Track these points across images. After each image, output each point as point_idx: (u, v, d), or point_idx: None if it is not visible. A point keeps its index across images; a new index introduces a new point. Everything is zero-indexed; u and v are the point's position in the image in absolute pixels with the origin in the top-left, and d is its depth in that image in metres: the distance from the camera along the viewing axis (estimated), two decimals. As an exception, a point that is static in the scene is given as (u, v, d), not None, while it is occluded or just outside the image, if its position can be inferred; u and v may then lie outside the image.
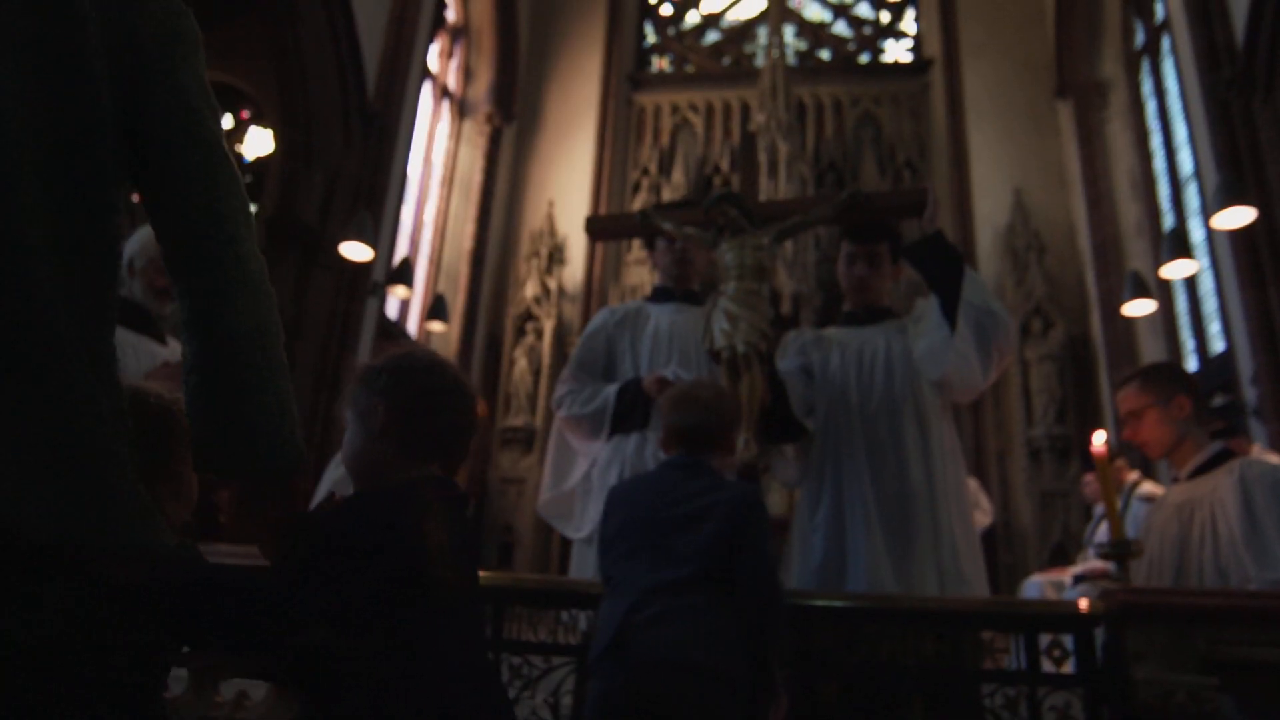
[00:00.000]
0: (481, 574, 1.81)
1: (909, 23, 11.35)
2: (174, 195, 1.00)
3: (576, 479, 2.21)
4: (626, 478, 1.73)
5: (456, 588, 1.12)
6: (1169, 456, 2.00)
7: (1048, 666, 1.52)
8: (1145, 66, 8.79)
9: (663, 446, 1.68)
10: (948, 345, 1.99)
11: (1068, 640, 1.52)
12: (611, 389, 2.19)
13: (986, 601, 1.72)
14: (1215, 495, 1.84)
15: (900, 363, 2.11)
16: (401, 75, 8.26)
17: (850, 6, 11.61)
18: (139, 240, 2.49)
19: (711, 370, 2.05)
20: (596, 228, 2.34)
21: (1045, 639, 1.53)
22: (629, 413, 2.15)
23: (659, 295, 2.33)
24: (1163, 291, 7.53)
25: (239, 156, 8.36)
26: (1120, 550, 1.69)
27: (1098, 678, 1.48)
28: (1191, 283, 7.60)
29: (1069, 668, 1.52)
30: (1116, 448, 5.42)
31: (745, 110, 10.34)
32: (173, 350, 2.59)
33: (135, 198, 1.12)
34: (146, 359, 2.45)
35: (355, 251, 6.29)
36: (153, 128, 0.98)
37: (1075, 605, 1.54)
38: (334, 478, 2.64)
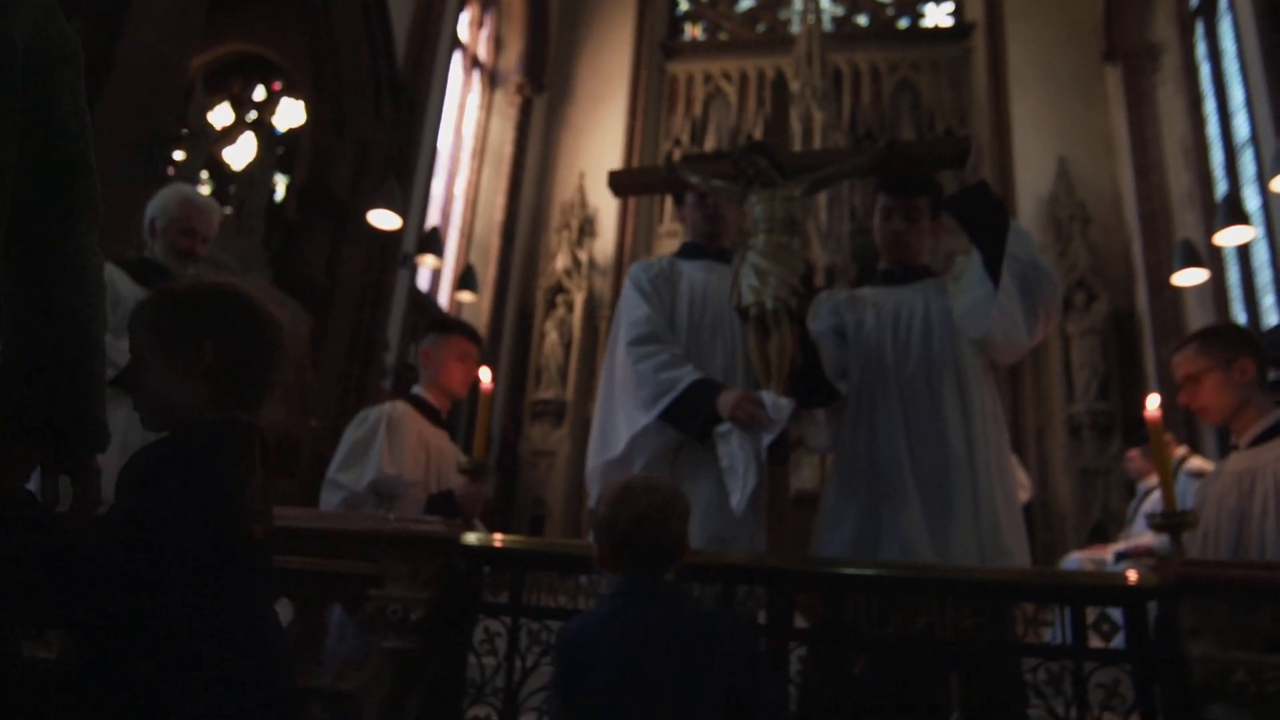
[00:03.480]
0: (501, 538, 1.77)
1: (950, -15, 10.98)
2: (34, 190, 1.09)
3: (621, 448, 1.99)
4: (575, 623, 1.35)
5: (264, 544, 1.06)
6: (1229, 423, 1.88)
7: (1095, 642, 1.43)
8: (1200, 28, 8.40)
9: (607, 565, 1.35)
10: (991, 302, 1.88)
11: (1117, 614, 1.43)
12: (687, 376, 1.92)
13: (1029, 572, 1.63)
14: (1280, 464, 1.73)
15: (939, 323, 2.00)
16: (431, 45, 8.20)
17: (889, -30, 11.27)
18: (160, 201, 2.47)
19: (743, 329, 1.94)
20: (620, 182, 2.23)
21: (1093, 613, 1.44)
22: (687, 415, 1.90)
23: (689, 252, 2.20)
24: (1214, 263, 7.24)
25: (271, 129, 8.37)
26: (1174, 521, 1.58)
27: (1149, 654, 1.39)
28: (1245, 253, 7.30)
29: (1118, 644, 1.43)
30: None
31: (780, 78, 10.08)
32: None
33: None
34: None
35: (383, 219, 6.27)
36: (27, 134, 1.07)
37: (1125, 577, 1.45)
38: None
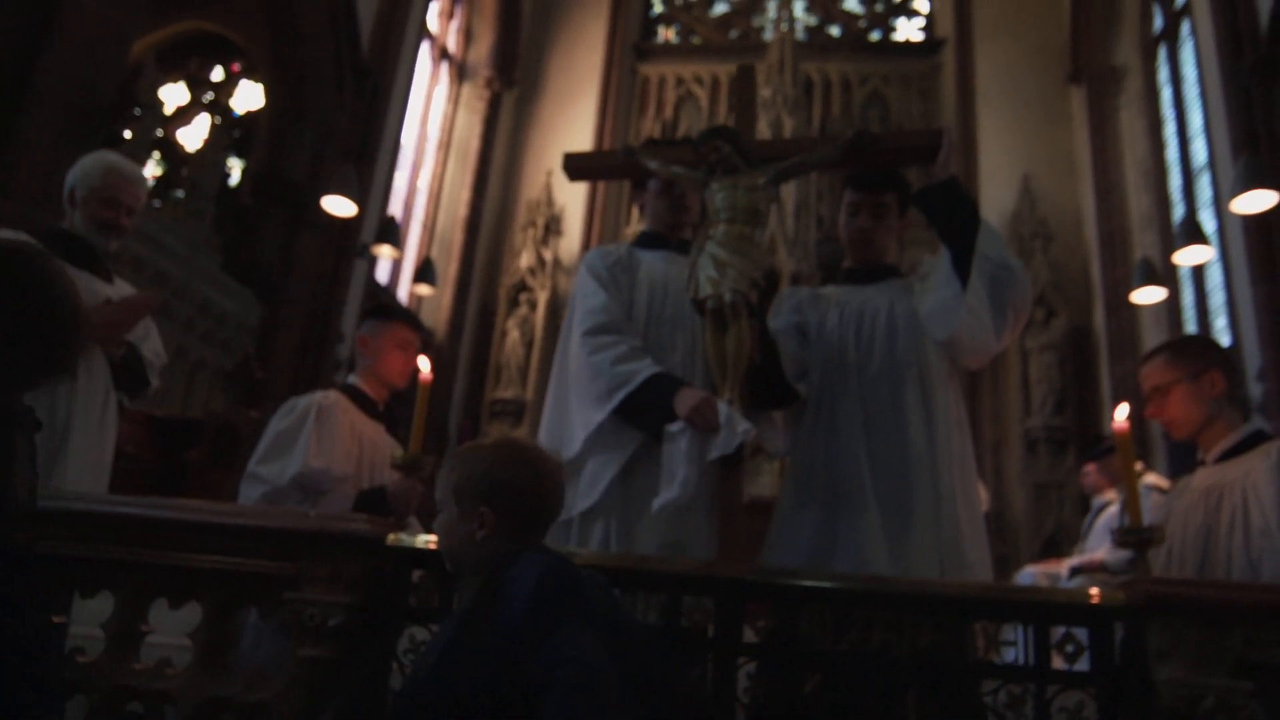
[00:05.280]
0: (434, 539, 1.64)
1: (922, 1, 11.07)
2: None
3: (577, 447, 1.87)
4: (560, 567, 1.25)
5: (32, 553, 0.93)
6: (1198, 437, 1.83)
7: (1058, 663, 1.35)
8: (1162, 53, 8.56)
9: (523, 535, 1.30)
10: (959, 302, 1.80)
11: (1082, 634, 1.35)
12: (645, 370, 1.81)
13: (992, 587, 1.55)
14: (1249, 480, 1.67)
15: (904, 324, 1.92)
16: (398, 32, 8.01)
17: (863, -18, 11.34)
18: (81, 168, 2.29)
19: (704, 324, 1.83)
20: (577, 165, 2.11)
21: (1057, 632, 1.36)
22: (643, 411, 1.78)
23: (648, 241, 2.09)
24: (1169, 283, 7.36)
25: (228, 110, 8.11)
26: (1140, 537, 1.51)
27: (1115, 677, 1.32)
28: (1199, 275, 7.43)
29: (1083, 665, 1.35)
30: (1112, 438, 5.25)
31: (746, 70, 10.02)
32: (119, 289, 2.40)
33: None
34: (88, 297, 2.25)
35: (338, 206, 6.06)
36: None
37: (1092, 595, 1.37)
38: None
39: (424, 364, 1.89)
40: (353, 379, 2.31)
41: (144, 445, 4.07)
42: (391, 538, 1.58)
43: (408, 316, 2.35)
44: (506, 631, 1.16)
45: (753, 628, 1.49)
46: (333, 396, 2.21)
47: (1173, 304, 7.53)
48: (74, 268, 2.27)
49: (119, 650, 1.65)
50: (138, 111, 6.14)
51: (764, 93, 9.51)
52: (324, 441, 2.08)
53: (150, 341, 2.36)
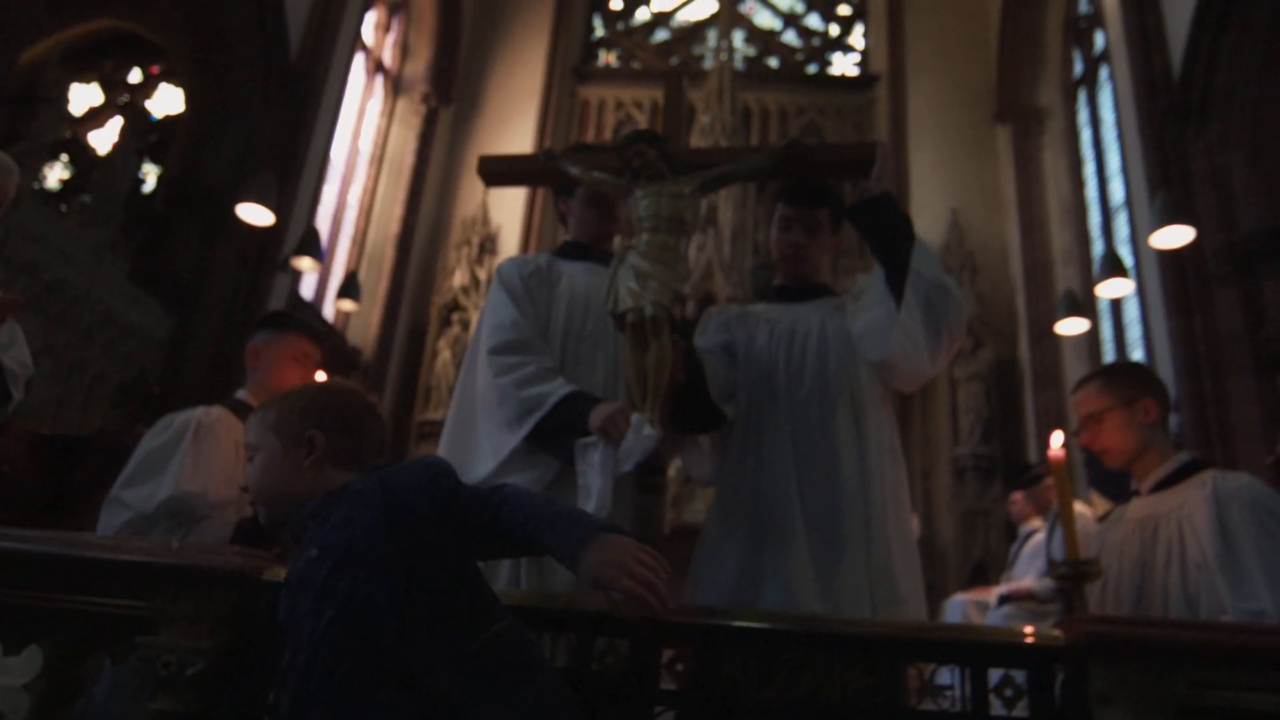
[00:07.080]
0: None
1: (857, 37, 11.37)
2: None
3: (484, 472, 1.73)
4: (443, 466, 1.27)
5: None
6: (1131, 466, 1.79)
7: (997, 706, 1.26)
8: (1082, 96, 8.93)
9: (351, 465, 1.26)
10: (893, 321, 1.73)
11: (1020, 677, 1.26)
12: (558, 390, 1.69)
13: (926, 627, 1.46)
14: (1184, 511, 1.63)
15: (836, 344, 1.83)
16: (329, 39, 7.76)
17: (800, 16, 11.59)
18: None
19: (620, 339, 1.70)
20: (493, 169, 1.99)
21: (995, 675, 1.26)
22: (557, 435, 1.67)
23: (571, 251, 1.97)
24: (1089, 316, 7.59)
25: (143, 112, 7.70)
26: (1077, 570, 1.44)
27: (1054, 723, 1.22)
28: (1117, 309, 7.69)
29: (1022, 710, 1.25)
30: (1039, 466, 5.31)
31: (674, 75, 10.07)
32: (-20, 290, 2.15)
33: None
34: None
35: (254, 215, 5.75)
36: None
37: (1031, 635, 1.28)
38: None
39: (321, 379, 1.72)
40: (242, 394, 2.10)
41: (24, 464, 3.72)
42: (269, 572, 1.40)
43: (306, 327, 2.16)
44: (418, 505, 1.15)
45: (670, 672, 1.36)
46: (215, 413, 2.00)
47: (1093, 336, 7.77)
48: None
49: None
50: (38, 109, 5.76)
51: (703, 119, 9.57)
52: (201, 462, 1.87)
53: (15, 350, 2.12)
